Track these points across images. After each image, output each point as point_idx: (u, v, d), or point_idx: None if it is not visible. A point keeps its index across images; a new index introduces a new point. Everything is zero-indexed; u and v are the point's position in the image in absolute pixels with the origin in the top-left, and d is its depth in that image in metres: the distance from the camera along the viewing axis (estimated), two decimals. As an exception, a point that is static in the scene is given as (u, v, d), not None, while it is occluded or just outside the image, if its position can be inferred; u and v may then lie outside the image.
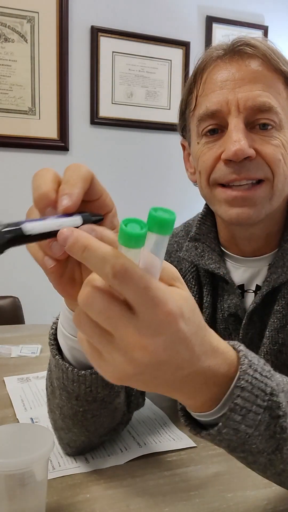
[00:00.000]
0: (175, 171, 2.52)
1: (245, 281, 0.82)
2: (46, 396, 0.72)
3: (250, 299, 0.81)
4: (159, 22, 2.44)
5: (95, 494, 0.64)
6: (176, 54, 2.49)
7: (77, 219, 0.42)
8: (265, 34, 2.63)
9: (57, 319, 0.65)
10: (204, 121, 0.74)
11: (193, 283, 0.85)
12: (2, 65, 2.17)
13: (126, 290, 0.37)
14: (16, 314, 1.84)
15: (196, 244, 0.84)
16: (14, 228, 0.38)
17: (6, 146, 2.22)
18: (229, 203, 0.72)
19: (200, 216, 0.86)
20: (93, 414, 0.67)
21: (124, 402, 0.73)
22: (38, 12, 2.19)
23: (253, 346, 0.80)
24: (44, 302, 1.81)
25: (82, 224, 0.42)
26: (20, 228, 0.38)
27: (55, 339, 0.66)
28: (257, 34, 2.59)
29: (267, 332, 0.77)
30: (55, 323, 0.66)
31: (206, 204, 0.85)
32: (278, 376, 0.51)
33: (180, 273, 0.91)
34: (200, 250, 0.83)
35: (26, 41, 2.19)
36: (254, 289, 0.81)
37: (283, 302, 0.77)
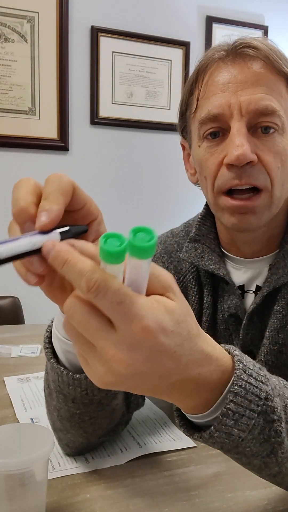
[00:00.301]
0: (175, 171, 2.52)
1: (245, 281, 0.82)
2: (44, 398, 0.72)
3: (250, 299, 0.81)
4: (159, 22, 2.44)
5: (95, 494, 0.64)
6: (176, 54, 2.49)
7: (54, 236, 0.41)
8: (265, 34, 2.63)
9: (52, 322, 0.64)
10: (205, 124, 0.73)
11: (193, 283, 0.85)
12: (2, 65, 2.17)
13: (101, 305, 0.37)
14: (16, 314, 1.84)
15: (196, 245, 0.84)
16: None
17: (6, 146, 2.22)
18: (231, 211, 0.73)
19: (199, 216, 0.86)
20: (91, 416, 0.67)
21: (123, 403, 0.73)
22: (38, 12, 2.19)
23: (253, 346, 0.80)
24: (44, 302, 1.81)
25: (61, 240, 0.41)
26: None
27: (50, 342, 0.65)
28: (257, 34, 2.59)
29: (267, 333, 0.77)
30: (50, 326, 0.66)
31: (206, 205, 0.85)
32: (274, 380, 0.51)
33: (180, 273, 0.91)
34: (200, 251, 0.83)
35: (26, 41, 2.19)
36: (254, 290, 0.81)
37: (283, 302, 0.77)
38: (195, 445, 0.76)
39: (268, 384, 0.48)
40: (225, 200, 0.73)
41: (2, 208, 2.20)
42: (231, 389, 0.45)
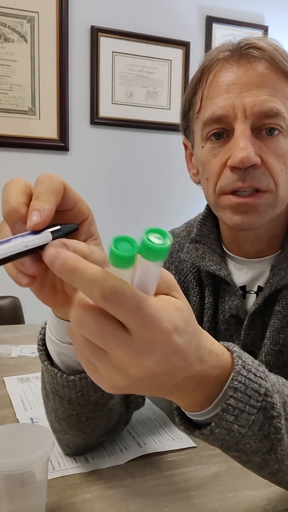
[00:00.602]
0: (175, 171, 2.52)
1: (247, 282, 0.81)
2: (42, 399, 0.72)
3: (251, 300, 0.81)
4: (159, 22, 2.44)
5: (95, 494, 0.63)
6: (176, 54, 2.49)
7: (46, 236, 0.41)
8: (265, 34, 2.63)
9: (46, 324, 0.64)
10: (209, 126, 0.72)
11: (194, 283, 0.85)
12: (2, 65, 2.17)
13: (117, 312, 0.36)
14: (16, 314, 1.84)
15: (197, 245, 0.84)
16: None
17: (6, 146, 2.22)
18: (233, 209, 0.72)
19: (201, 217, 0.86)
20: (87, 416, 0.67)
21: (121, 403, 0.73)
22: (38, 12, 2.19)
23: (254, 347, 0.80)
24: (44, 302, 1.81)
25: (53, 240, 0.41)
26: None
27: (44, 345, 0.65)
28: (257, 34, 2.59)
29: (268, 333, 0.77)
30: (44, 328, 0.65)
31: (207, 205, 0.85)
32: (273, 377, 0.51)
33: (181, 273, 0.91)
34: (201, 251, 0.83)
35: (26, 41, 2.19)
36: (255, 290, 0.81)
37: (284, 302, 0.76)
38: (195, 445, 0.76)
39: (267, 380, 0.48)
40: (227, 198, 0.72)
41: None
42: (231, 384, 0.45)
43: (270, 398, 0.47)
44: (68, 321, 0.56)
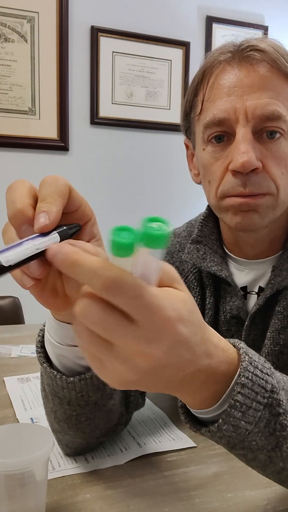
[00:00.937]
0: (175, 171, 2.52)
1: (248, 283, 0.81)
2: (42, 400, 0.72)
3: (252, 301, 0.81)
4: (159, 22, 2.44)
5: (95, 494, 0.63)
6: (176, 54, 2.49)
7: (54, 238, 0.41)
8: (265, 34, 2.63)
9: (44, 326, 0.64)
10: (210, 128, 0.72)
11: (195, 284, 0.85)
12: (2, 65, 2.17)
13: (119, 301, 0.36)
14: (16, 314, 1.83)
15: (197, 246, 0.84)
16: None
17: (6, 146, 2.22)
18: (235, 210, 0.72)
19: (202, 217, 0.86)
20: (87, 417, 0.66)
21: (121, 403, 0.73)
22: (38, 12, 2.19)
23: (255, 347, 0.80)
24: (44, 302, 1.81)
25: (60, 241, 0.41)
26: None
27: (42, 347, 0.65)
28: (257, 34, 2.59)
29: (269, 333, 0.77)
30: (42, 330, 0.65)
31: (208, 205, 0.85)
32: (278, 374, 0.51)
33: (182, 274, 0.91)
34: (202, 252, 0.83)
35: (26, 41, 2.19)
36: (256, 291, 0.81)
37: (284, 303, 0.76)
38: (195, 445, 0.76)
39: (273, 377, 0.48)
40: (229, 199, 0.72)
41: (1, 209, 2.21)
42: (238, 380, 0.45)
43: (277, 395, 0.47)
44: (68, 323, 0.56)
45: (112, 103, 2.40)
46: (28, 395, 0.96)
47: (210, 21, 2.54)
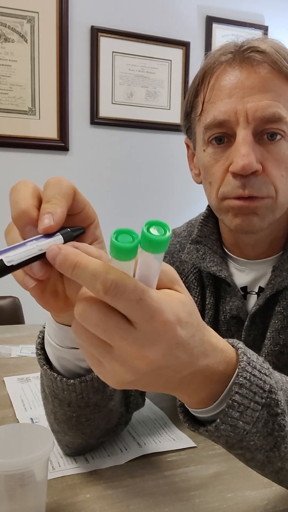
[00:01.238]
0: (175, 171, 2.52)
1: (248, 283, 0.81)
2: (42, 400, 0.72)
3: (252, 301, 0.81)
4: (159, 22, 2.44)
5: (95, 494, 0.63)
6: (176, 54, 2.49)
7: (58, 239, 0.41)
8: (265, 34, 2.63)
9: (44, 328, 0.64)
10: (210, 130, 0.72)
11: (195, 284, 0.85)
12: (2, 65, 2.17)
13: (119, 305, 0.36)
14: (16, 314, 1.83)
15: (197, 246, 0.83)
16: None
17: (6, 146, 2.22)
18: (235, 212, 0.72)
19: (202, 217, 0.86)
20: (87, 418, 0.66)
21: (121, 403, 0.73)
22: (38, 12, 2.19)
23: (255, 347, 0.80)
24: (44, 302, 1.81)
25: (64, 243, 0.41)
26: (1, 260, 0.37)
27: (42, 349, 0.65)
28: (257, 34, 2.59)
29: (269, 333, 0.77)
30: (42, 332, 0.65)
31: (208, 205, 0.85)
32: (277, 375, 0.51)
33: (182, 274, 0.91)
34: (201, 252, 0.83)
35: (26, 41, 2.19)
36: (256, 291, 0.81)
37: (284, 303, 0.76)
38: (195, 445, 0.76)
39: (271, 377, 0.48)
40: (230, 201, 0.72)
41: (1, 209, 2.21)
42: (236, 380, 0.45)
43: (275, 395, 0.47)
44: (68, 325, 0.56)
45: (112, 103, 2.40)
46: (28, 395, 0.96)
47: (210, 21, 2.54)
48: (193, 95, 0.77)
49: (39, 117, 2.25)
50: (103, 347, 0.39)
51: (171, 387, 0.44)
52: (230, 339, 0.49)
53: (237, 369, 0.46)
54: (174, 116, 2.49)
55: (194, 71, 0.77)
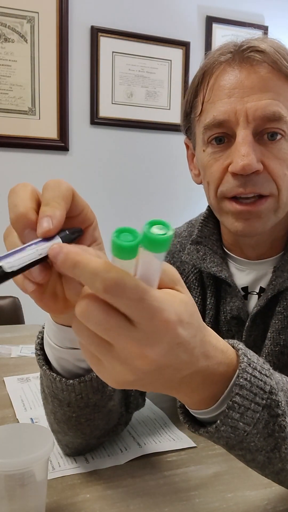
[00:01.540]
0: (176, 171, 2.52)
1: (249, 283, 0.81)
2: (42, 400, 0.72)
3: (253, 301, 0.81)
4: (159, 22, 2.44)
5: (95, 494, 0.63)
6: (176, 54, 2.49)
7: (56, 242, 0.40)
8: (265, 34, 2.63)
9: (43, 328, 0.64)
10: (210, 130, 0.72)
11: (196, 284, 0.84)
12: (2, 65, 2.17)
13: (119, 304, 0.36)
14: (16, 314, 1.83)
15: (198, 247, 0.83)
16: None
17: (6, 146, 2.22)
18: (235, 216, 0.72)
19: (202, 218, 0.86)
20: (87, 418, 0.66)
21: (120, 403, 0.73)
22: (38, 12, 2.19)
23: (256, 348, 0.80)
24: (44, 302, 1.81)
25: None
26: (1, 267, 0.36)
27: (42, 349, 0.65)
28: (257, 34, 2.59)
29: (269, 334, 0.77)
30: (41, 333, 0.65)
31: (208, 206, 0.85)
32: (277, 375, 0.51)
33: (182, 274, 0.91)
34: (202, 253, 0.83)
35: (26, 41, 2.19)
36: (257, 291, 0.81)
37: (285, 303, 0.76)
38: (195, 445, 0.76)
39: (272, 378, 0.48)
40: (229, 204, 0.72)
41: (1, 209, 2.21)
42: (236, 382, 0.45)
43: (275, 396, 0.47)
44: (67, 326, 0.56)
45: (112, 103, 2.40)
46: (28, 395, 0.96)
47: (210, 21, 2.54)
48: (193, 95, 0.77)
49: (39, 117, 2.25)
50: (103, 346, 0.39)
51: (171, 388, 0.44)
52: (230, 340, 0.49)
53: (237, 370, 0.46)
54: (174, 116, 2.49)
55: (194, 71, 0.77)
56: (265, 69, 0.70)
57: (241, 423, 0.46)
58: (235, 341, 0.49)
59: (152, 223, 0.35)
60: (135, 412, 0.79)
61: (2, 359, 1.19)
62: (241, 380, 0.45)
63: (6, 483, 0.53)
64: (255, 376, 0.46)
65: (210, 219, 0.85)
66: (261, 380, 0.47)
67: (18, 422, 0.84)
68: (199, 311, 0.87)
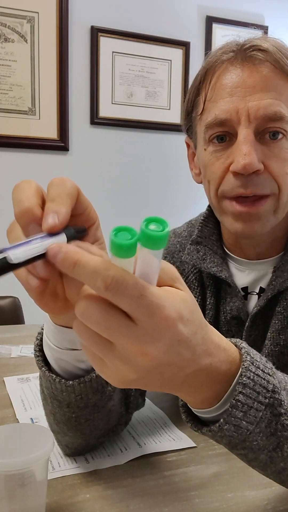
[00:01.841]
0: (176, 171, 2.52)
1: (249, 283, 0.81)
2: (41, 401, 0.72)
3: (253, 301, 0.81)
4: (159, 22, 2.44)
5: (95, 494, 0.63)
6: (176, 54, 2.49)
7: (61, 239, 0.40)
8: (265, 34, 2.63)
9: (42, 329, 0.64)
10: (212, 129, 0.71)
11: (196, 284, 0.84)
12: (2, 65, 2.17)
13: (120, 301, 0.36)
14: (16, 314, 1.83)
15: (198, 247, 0.83)
16: None
17: (6, 146, 2.22)
18: (235, 217, 0.72)
19: (202, 218, 0.85)
20: (87, 418, 0.66)
21: (120, 403, 0.73)
22: (38, 12, 2.19)
23: (256, 348, 0.79)
24: (44, 302, 1.81)
25: (67, 242, 0.41)
26: (5, 258, 0.36)
27: (41, 350, 0.65)
28: (257, 34, 2.59)
29: (269, 334, 0.77)
30: (40, 334, 0.65)
31: (208, 206, 0.85)
32: (280, 375, 0.51)
33: (182, 274, 0.91)
34: (202, 253, 0.83)
35: (26, 41, 2.19)
36: (257, 292, 0.81)
37: (285, 303, 0.76)
38: (195, 445, 0.76)
39: (275, 377, 0.48)
40: (230, 205, 0.72)
41: (1, 209, 2.21)
42: (239, 380, 0.45)
43: (278, 395, 0.47)
44: (67, 327, 0.56)
45: (112, 103, 2.40)
46: (28, 395, 0.96)
47: (210, 21, 2.54)
48: (194, 94, 0.76)
49: (39, 117, 2.25)
50: (105, 345, 0.39)
51: (174, 386, 0.44)
52: (233, 339, 0.49)
53: (240, 369, 0.46)
54: (174, 116, 2.49)
55: (194, 71, 0.77)
56: (267, 68, 0.69)
57: (244, 422, 0.46)
58: (237, 339, 0.49)
59: (149, 220, 0.35)
60: (135, 412, 0.79)
61: (2, 359, 1.19)
62: (244, 378, 0.45)
63: (6, 483, 0.53)
64: (258, 375, 0.46)
65: (210, 219, 0.85)
66: (264, 379, 0.47)
67: (18, 422, 0.84)
68: None
